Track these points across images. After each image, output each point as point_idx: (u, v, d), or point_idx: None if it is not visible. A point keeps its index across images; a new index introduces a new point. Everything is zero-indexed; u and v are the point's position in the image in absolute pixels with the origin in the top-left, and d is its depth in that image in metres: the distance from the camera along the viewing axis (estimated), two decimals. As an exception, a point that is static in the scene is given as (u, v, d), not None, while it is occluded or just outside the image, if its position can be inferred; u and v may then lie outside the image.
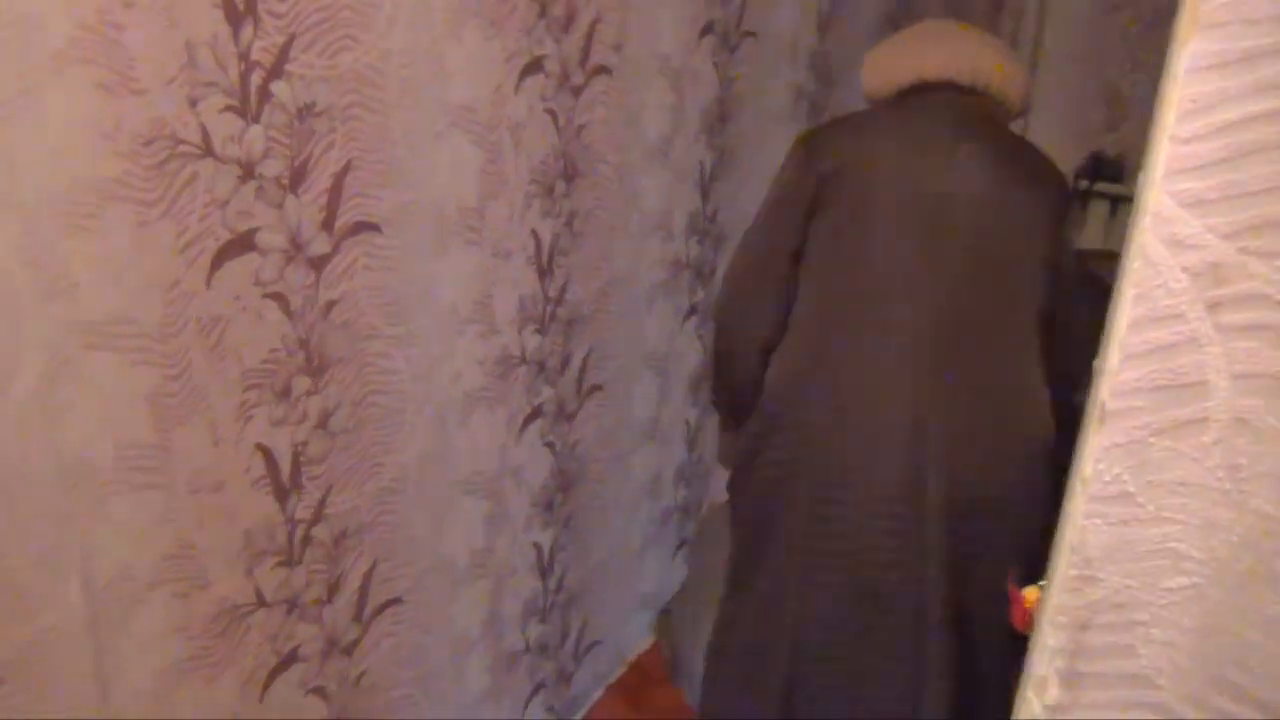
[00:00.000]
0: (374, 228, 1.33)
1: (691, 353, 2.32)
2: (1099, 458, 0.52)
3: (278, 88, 1.14)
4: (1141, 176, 0.47)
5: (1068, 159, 3.05)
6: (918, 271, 1.54)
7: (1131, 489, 0.52)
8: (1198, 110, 0.44)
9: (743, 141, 2.25)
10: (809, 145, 1.63)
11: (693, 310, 2.27)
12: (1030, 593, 1.71)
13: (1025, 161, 1.60)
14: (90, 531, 1.08)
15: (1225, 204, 0.45)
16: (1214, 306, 0.47)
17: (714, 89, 2.09)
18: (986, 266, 1.54)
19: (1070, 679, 0.57)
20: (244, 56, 1.10)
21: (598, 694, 2.29)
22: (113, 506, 1.10)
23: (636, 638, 2.40)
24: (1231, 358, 0.48)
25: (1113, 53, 3.16)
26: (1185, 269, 0.47)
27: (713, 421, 2.45)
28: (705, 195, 2.17)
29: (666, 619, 2.44)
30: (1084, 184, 3.04)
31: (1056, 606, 0.56)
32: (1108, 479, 0.53)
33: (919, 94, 1.61)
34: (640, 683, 2.36)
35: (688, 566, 2.51)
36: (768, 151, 2.36)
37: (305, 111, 1.18)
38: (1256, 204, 0.46)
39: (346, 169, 1.26)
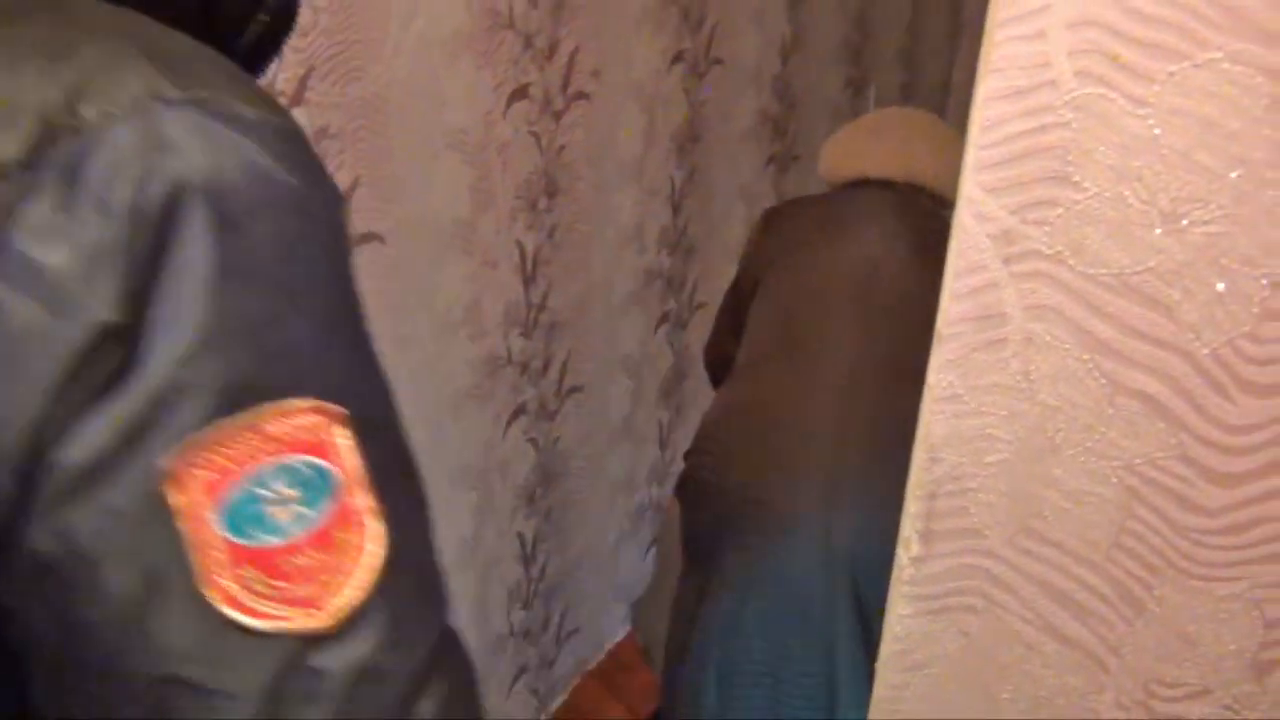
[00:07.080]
0: (378, 238, 1.47)
1: (664, 358, 2.42)
2: (938, 369, 0.70)
3: (298, 114, 1.29)
4: (962, 172, 0.64)
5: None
6: (846, 322, 1.66)
7: (960, 391, 0.70)
8: (991, 126, 0.62)
9: (712, 160, 2.35)
10: (766, 224, 1.92)
11: (665, 318, 2.38)
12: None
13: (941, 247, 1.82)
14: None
15: (1010, 190, 0.63)
16: (1007, 260, 0.65)
17: (684, 112, 2.22)
18: (910, 327, 1.68)
19: (926, 536, 0.74)
20: (269, 86, 1.25)
21: (578, 679, 2.40)
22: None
23: (614, 627, 2.50)
24: (1020, 295, 0.66)
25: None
26: (988, 235, 0.65)
27: (684, 423, 2.60)
28: (676, 210, 2.31)
29: (640, 609, 2.57)
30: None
31: (915, 482, 0.74)
32: (944, 385, 0.70)
33: (862, 188, 1.87)
34: (617, 669, 2.46)
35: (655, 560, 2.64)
36: (736, 169, 2.52)
37: (320, 134, 1.33)
38: (1029, 190, 0.64)
39: (355, 185, 1.41)
